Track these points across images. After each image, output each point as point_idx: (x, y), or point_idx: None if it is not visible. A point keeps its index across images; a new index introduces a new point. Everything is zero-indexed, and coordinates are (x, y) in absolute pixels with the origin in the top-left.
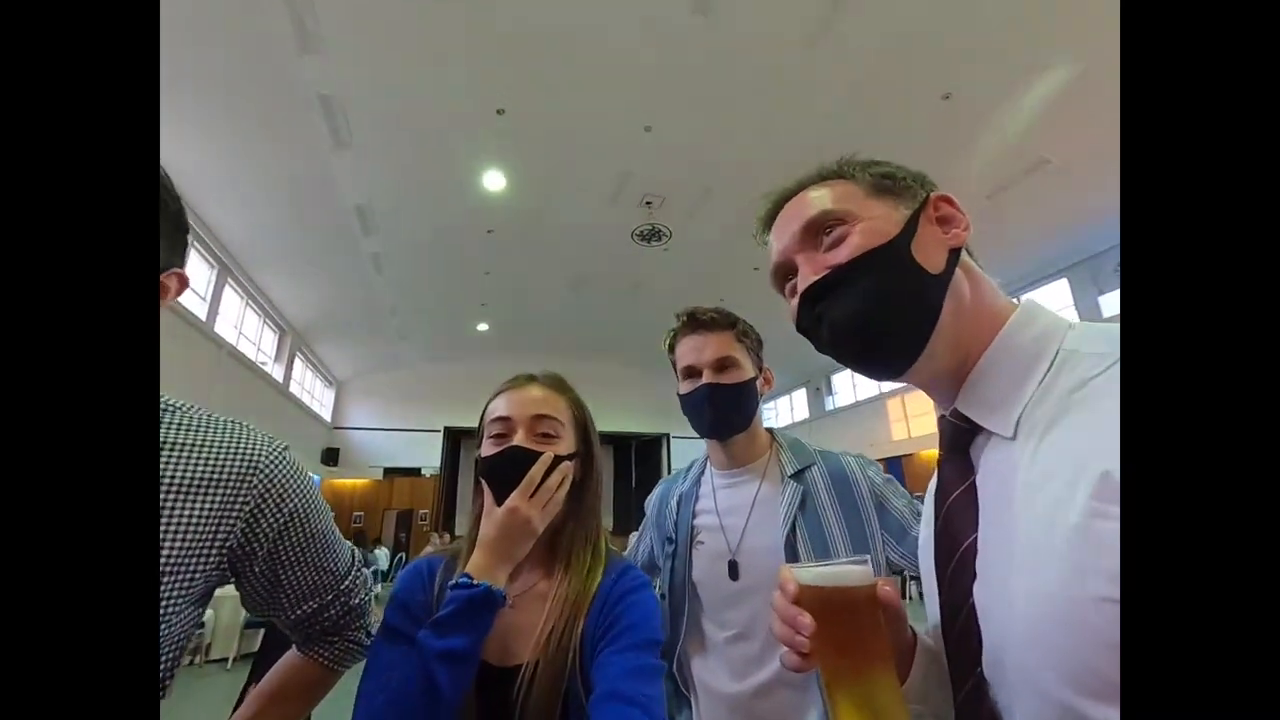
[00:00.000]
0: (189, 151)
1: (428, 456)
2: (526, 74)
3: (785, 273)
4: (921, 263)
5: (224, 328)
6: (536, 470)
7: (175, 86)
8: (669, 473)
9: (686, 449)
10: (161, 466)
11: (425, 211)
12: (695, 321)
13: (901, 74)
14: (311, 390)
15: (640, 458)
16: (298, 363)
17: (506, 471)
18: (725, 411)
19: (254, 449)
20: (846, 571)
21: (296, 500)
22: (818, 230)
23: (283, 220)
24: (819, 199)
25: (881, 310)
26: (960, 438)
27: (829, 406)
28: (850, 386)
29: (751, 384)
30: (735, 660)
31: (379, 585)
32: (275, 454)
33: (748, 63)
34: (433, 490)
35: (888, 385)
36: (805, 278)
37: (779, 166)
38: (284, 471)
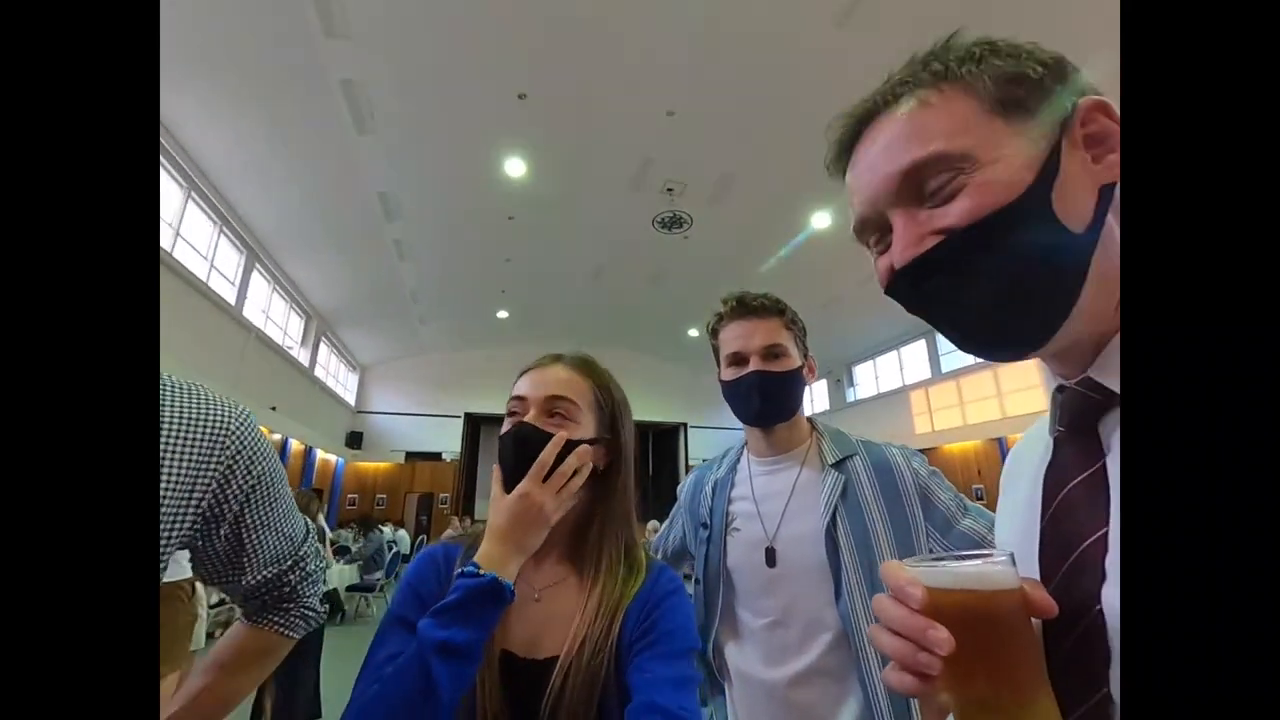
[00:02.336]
0: (217, 135)
1: (449, 441)
2: (548, 56)
3: (872, 229)
4: (1064, 217)
5: (252, 311)
6: (548, 452)
7: (201, 71)
8: (686, 462)
9: (705, 438)
10: None
11: (447, 197)
12: (744, 307)
13: None
14: (336, 375)
15: (657, 447)
16: (323, 347)
17: (513, 451)
18: (773, 400)
19: (224, 414)
20: (987, 570)
21: (264, 464)
22: (922, 178)
23: (307, 206)
24: (925, 129)
25: (1009, 291)
26: (1088, 413)
27: (850, 399)
28: (873, 378)
29: (799, 372)
30: (772, 647)
31: (399, 566)
32: (244, 418)
33: (773, 45)
34: (453, 475)
35: (911, 378)
36: (905, 248)
37: (804, 152)
38: (253, 436)
